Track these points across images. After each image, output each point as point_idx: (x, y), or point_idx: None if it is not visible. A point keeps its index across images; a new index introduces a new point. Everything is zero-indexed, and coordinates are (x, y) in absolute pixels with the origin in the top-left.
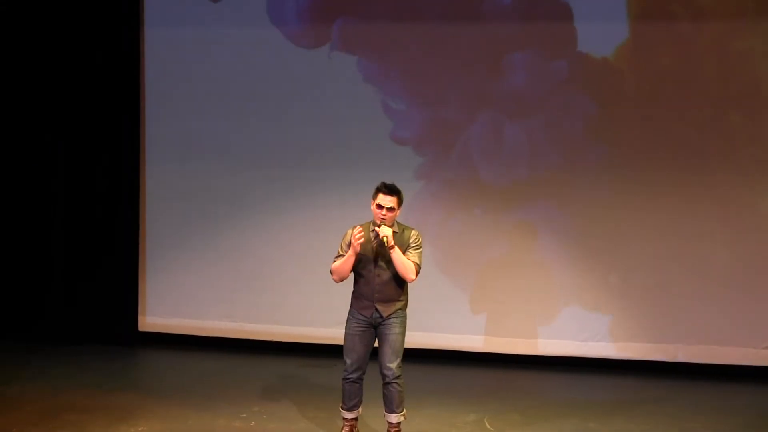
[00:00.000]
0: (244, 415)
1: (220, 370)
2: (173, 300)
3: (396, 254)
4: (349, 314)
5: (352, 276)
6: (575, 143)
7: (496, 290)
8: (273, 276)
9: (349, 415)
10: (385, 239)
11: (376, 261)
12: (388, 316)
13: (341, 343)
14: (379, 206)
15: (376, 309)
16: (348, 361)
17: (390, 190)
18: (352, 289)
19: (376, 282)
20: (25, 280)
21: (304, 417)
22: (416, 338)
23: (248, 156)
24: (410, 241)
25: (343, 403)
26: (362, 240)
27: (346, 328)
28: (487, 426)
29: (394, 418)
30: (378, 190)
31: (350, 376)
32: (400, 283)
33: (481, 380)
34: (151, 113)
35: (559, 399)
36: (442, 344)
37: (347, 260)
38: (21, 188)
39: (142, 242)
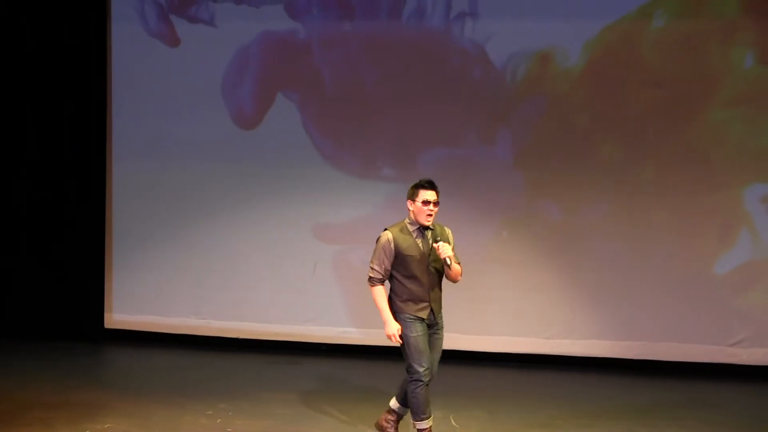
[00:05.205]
0: (210, 412)
1: (186, 367)
2: (139, 297)
3: (454, 265)
4: (404, 319)
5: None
6: (549, 143)
7: (461, 288)
8: (240, 273)
9: (427, 424)
10: (448, 260)
11: (425, 262)
12: (438, 319)
13: (307, 340)
14: (426, 202)
15: (431, 310)
16: (424, 365)
17: (432, 184)
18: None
19: (428, 282)
20: None
21: (270, 414)
22: (383, 336)
23: (215, 152)
24: (449, 241)
25: (422, 412)
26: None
27: (410, 332)
28: (453, 423)
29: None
30: (420, 187)
31: (425, 379)
32: (442, 282)
33: (447, 377)
34: (117, 108)
35: (525, 396)
36: None
37: (382, 310)
38: None
39: (108, 239)
